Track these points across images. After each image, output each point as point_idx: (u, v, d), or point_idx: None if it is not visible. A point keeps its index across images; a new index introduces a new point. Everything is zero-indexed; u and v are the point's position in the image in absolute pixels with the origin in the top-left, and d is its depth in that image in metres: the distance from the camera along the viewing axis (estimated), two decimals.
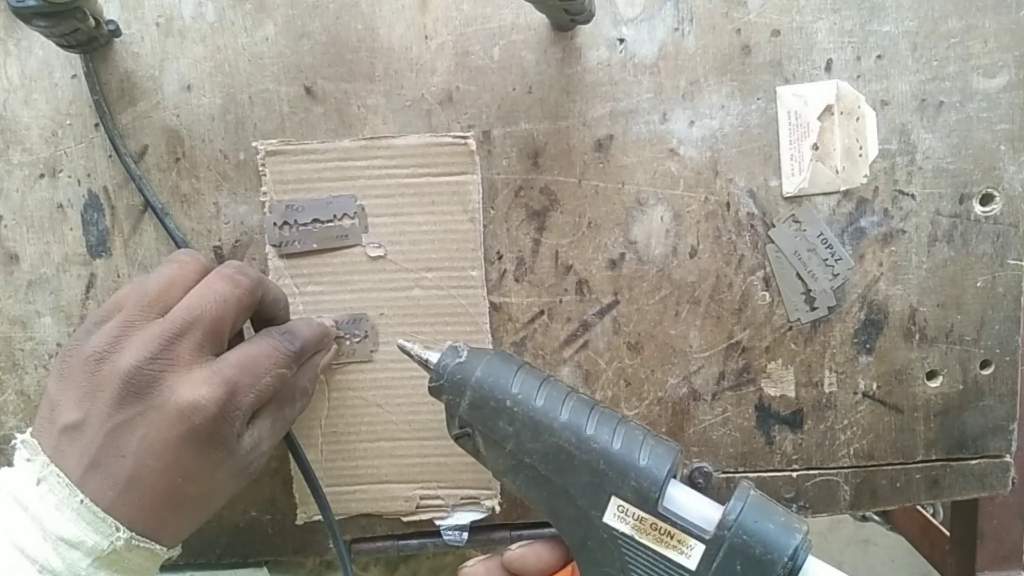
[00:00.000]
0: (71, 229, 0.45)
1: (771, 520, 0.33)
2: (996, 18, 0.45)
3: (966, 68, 0.45)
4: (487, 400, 0.35)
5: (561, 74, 0.45)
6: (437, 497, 0.48)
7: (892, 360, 0.47)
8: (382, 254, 0.45)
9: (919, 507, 0.86)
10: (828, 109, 0.45)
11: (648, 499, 0.33)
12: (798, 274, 0.47)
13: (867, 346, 0.47)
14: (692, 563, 0.32)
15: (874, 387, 0.48)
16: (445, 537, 0.48)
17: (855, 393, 0.48)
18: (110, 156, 0.45)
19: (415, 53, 0.45)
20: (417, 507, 0.48)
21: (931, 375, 0.48)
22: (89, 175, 0.45)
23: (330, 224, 0.45)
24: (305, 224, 0.45)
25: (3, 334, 0.46)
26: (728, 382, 0.48)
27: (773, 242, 0.46)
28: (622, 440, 0.34)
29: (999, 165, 0.46)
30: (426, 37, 0.44)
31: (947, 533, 0.78)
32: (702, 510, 0.34)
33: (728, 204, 0.46)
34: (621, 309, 0.47)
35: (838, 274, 0.47)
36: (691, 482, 0.47)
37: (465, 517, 0.48)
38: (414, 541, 0.48)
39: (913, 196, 0.46)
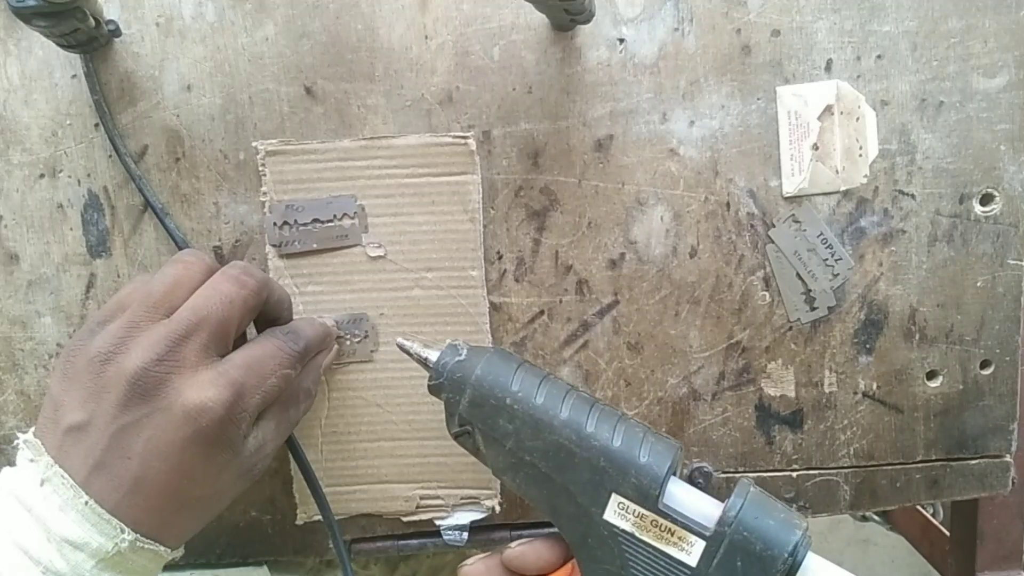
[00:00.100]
0: (71, 229, 0.45)
1: (771, 516, 0.33)
2: (996, 18, 0.45)
3: (966, 68, 0.45)
4: (487, 398, 0.35)
5: (561, 74, 0.45)
6: (437, 497, 0.48)
7: (892, 360, 0.47)
8: (382, 254, 0.45)
9: (919, 507, 0.86)
10: (828, 109, 0.45)
11: (649, 496, 0.33)
12: (798, 274, 0.47)
13: (867, 346, 0.47)
14: (692, 560, 0.33)
15: (874, 387, 0.48)
16: (445, 537, 0.48)
17: (855, 393, 0.48)
18: (110, 156, 0.45)
19: (415, 53, 0.45)
20: (417, 507, 0.48)
21: (931, 375, 0.48)
22: (89, 175, 0.45)
23: (330, 224, 0.45)
24: (305, 224, 0.45)
25: (3, 334, 0.46)
26: (728, 382, 0.48)
27: (773, 242, 0.46)
28: (622, 437, 0.34)
29: (999, 165, 0.46)
30: (426, 37, 0.44)
31: (947, 533, 0.78)
32: (702, 507, 0.34)
33: (728, 204, 0.46)
34: (621, 309, 0.47)
35: (838, 274, 0.47)
36: (691, 482, 0.47)
37: (465, 517, 0.48)
38: (414, 541, 0.48)
39: (913, 196, 0.46)
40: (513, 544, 0.38)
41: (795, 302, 0.47)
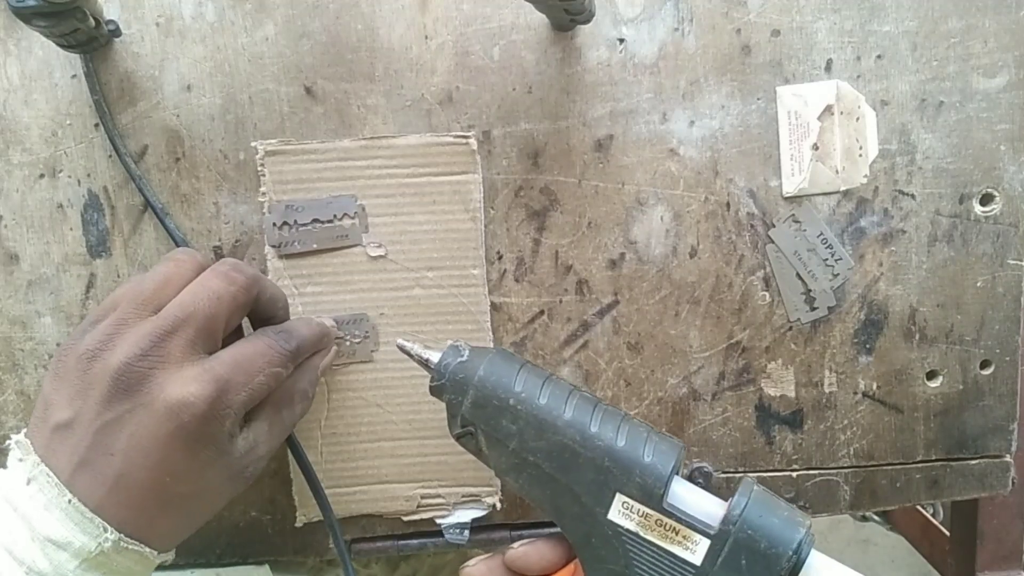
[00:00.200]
0: (71, 229, 0.45)
1: (775, 515, 0.33)
2: (996, 18, 0.45)
3: (966, 68, 0.45)
4: (490, 399, 0.35)
5: (561, 74, 0.45)
6: (438, 495, 0.48)
7: (892, 360, 0.47)
8: (382, 254, 0.45)
9: (919, 507, 0.86)
10: (828, 109, 0.45)
11: (653, 495, 0.33)
12: (798, 274, 0.47)
13: (867, 346, 0.47)
14: (697, 558, 0.33)
15: (874, 387, 0.48)
16: (446, 535, 0.48)
17: (855, 393, 0.48)
18: (110, 156, 0.45)
19: (415, 53, 0.45)
20: (418, 506, 0.48)
21: (931, 375, 0.48)
22: (89, 175, 0.45)
23: (330, 224, 0.45)
24: (305, 224, 0.45)
25: (3, 334, 0.46)
26: (728, 382, 0.48)
27: (773, 242, 0.46)
28: (626, 437, 0.34)
29: (999, 165, 0.46)
30: (426, 37, 0.44)
31: (947, 533, 0.78)
32: (705, 506, 0.34)
33: (728, 204, 0.46)
34: (621, 309, 0.47)
35: (838, 274, 0.47)
36: (691, 482, 0.47)
37: (466, 515, 0.48)
38: (415, 541, 0.48)
39: (913, 196, 0.46)
40: (516, 544, 0.37)
41: (795, 302, 0.47)
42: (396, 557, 0.58)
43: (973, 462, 0.49)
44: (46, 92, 0.44)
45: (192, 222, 0.45)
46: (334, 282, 0.45)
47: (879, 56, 0.45)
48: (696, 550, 0.33)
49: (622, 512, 0.34)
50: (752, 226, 0.46)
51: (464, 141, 0.44)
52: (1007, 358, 0.48)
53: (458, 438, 0.37)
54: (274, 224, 0.45)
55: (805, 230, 0.46)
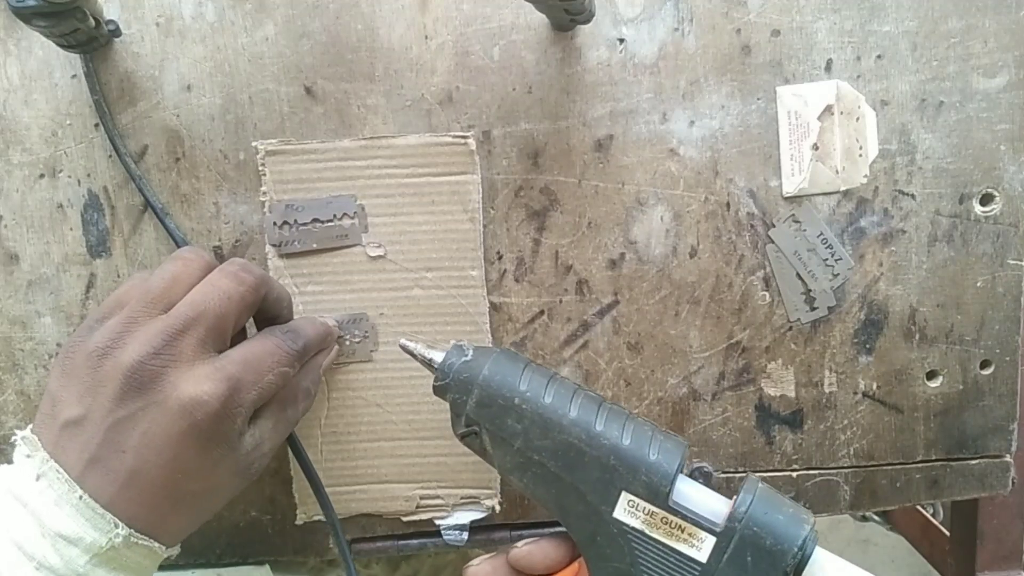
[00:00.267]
0: (71, 229, 0.45)
1: (780, 512, 0.33)
2: (996, 18, 0.45)
3: (966, 68, 0.45)
4: (495, 398, 0.35)
5: (561, 74, 0.45)
6: (437, 497, 0.48)
7: (892, 360, 0.47)
8: (382, 254, 0.45)
9: (919, 507, 0.86)
10: (828, 109, 0.45)
11: (659, 493, 0.33)
12: (798, 274, 0.47)
13: (867, 346, 0.47)
14: (703, 555, 0.33)
15: (874, 387, 0.48)
16: (445, 537, 0.48)
17: (855, 393, 0.48)
18: (110, 156, 0.45)
19: (415, 53, 0.45)
20: (417, 507, 0.48)
21: (931, 375, 0.48)
22: (89, 175, 0.45)
23: (330, 224, 0.45)
24: (305, 224, 0.45)
25: (3, 334, 0.46)
26: (728, 382, 0.48)
27: (773, 242, 0.46)
28: (631, 436, 0.34)
29: (999, 165, 0.46)
30: (426, 37, 0.44)
31: (947, 533, 0.78)
32: (710, 504, 0.34)
33: (728, 204, 0.46)
34: (621, 309, 0.47)
35: (838, 274, 0.47)
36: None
37: (465, 516, 0.48)
38: (414, 541, 0.48)
39: (913, 196, 0.46)
40: (519, 544, 0.38)
41: (795, 302, 0.47)
42: (397, 557, 0.58)
43: (973, 462, 0.49)
44: (46, 92, 0.44)
45: (192, 222, 0.45)
46: (334, 282, 0.45)
47: (879, 56, 0.45)
48: (702, 547, 0.33)
49: (628, 510, 0.34)
50: (752, 226, 0.46)
51: (463, 141, 0.44)
52: (1007, 358, 0.48)
53: (462, 437, 0.36)
54: (274, 223, 0.45)
55: (805, 230, 0.46)
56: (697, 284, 0.47)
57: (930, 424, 0.48)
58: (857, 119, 0.45)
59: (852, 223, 0.46)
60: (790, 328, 0.47)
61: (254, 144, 0.45)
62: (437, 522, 0.48)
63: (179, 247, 0.44)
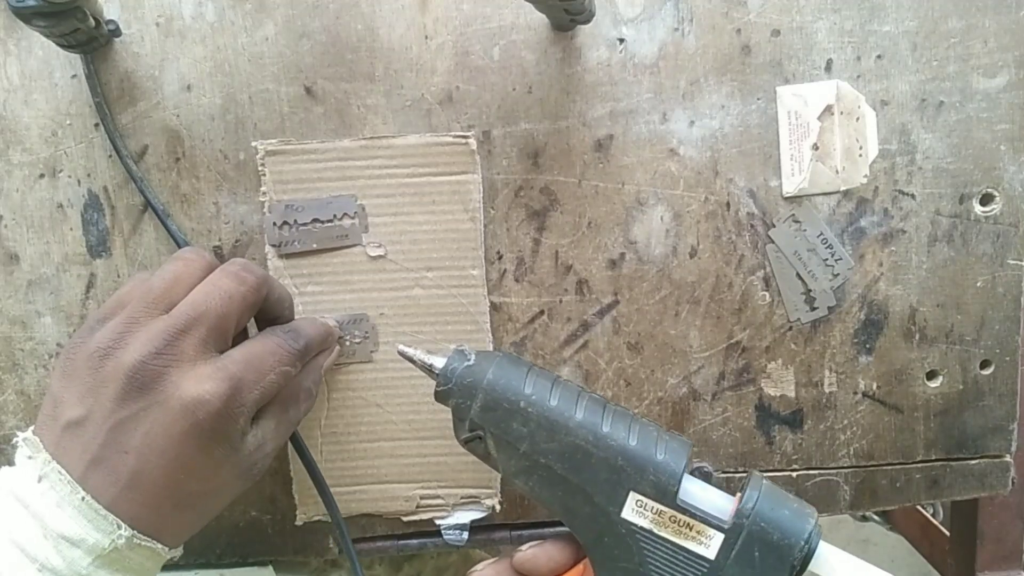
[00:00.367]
0: (71, 229, 0.45)
1: (785, 507, 0.34)
2: (996, 18, 0.45)
3: (966, 68, 0.45)
4: (500, 402, 0.35)
5: (561, 74, 0.45)
6: (437, 496, 0.48)
7: (892, 360, 0.47)
8: (382, 254, 0.45)
9: (919, 507, 0.86)
10: (828, 109, 0.45)
11: (667, 492, 0.34)
12: (798, 274, 0.47)
13: (867, 346, 0.47)
14: (711, 552, 0.33)
15: (874, 387, 0.48)
16: (445, 536, 0.48)
17: (855, 393, 0.48)
18: (110, 156, 0.45)
19: (415, 53, 0.45)
20: (417, 507, 0.48)
21: (931, 375, 0.48)
22: (89, 175, 0.45)
23: (330, 224, 0.45)
24: (305, 224, 0.45)
25: (3, 334, 0.46)
26: (728, 382, 0.48)
27: (773, 242, 0.46)
28: (638, 437, 0.35)
29: (999, 165, 0.46)
30: (426, 37, 0.44)
31: (947, 533, 0.78)
32: (715, 501, 0.35)
33: (728, 204, 0.46)
34: (621, 309, 0.47)
35: (838, 274, 0.47)
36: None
37: (465, 516, 0.48)
38: (414, 541, 0.48)
39: (913, 196, 0.46)
40: (524, 547, 0.37)
41: (795, 302, 0.47)
42: (399, 559, 0.58)
43: (973, 462, 0.49)
44: (46, 92, 0.44)
45: (192, 222, 0.45)
46: (334, 282, 0.45)
47: (879, 56, 0.45)
48: (710, 544, 0.33)
49: (636, 510, 0.34)
50: (752, 226, 0.46)
51: (464, 141, 0.44)
52: (1007, 358, 0.48)
53: (466, 443, 0.36)
54: (274, 224, 0.45)
55: (805, 230, 0.46)
56: (697, 284, 0.47)
57: (930, 424, 0.48)
58: (857, 119, 0.45)
59: (852, 223, 0.46)
60: (790, 328, 0.47)
61: (254, 144, 0.45)
62: (437, 522, 0.48)
63: (180, 247, 0.44)
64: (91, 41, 0.42)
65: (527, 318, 0.47)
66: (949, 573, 0.72)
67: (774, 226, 0.46)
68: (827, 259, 0.46)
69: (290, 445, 0.46)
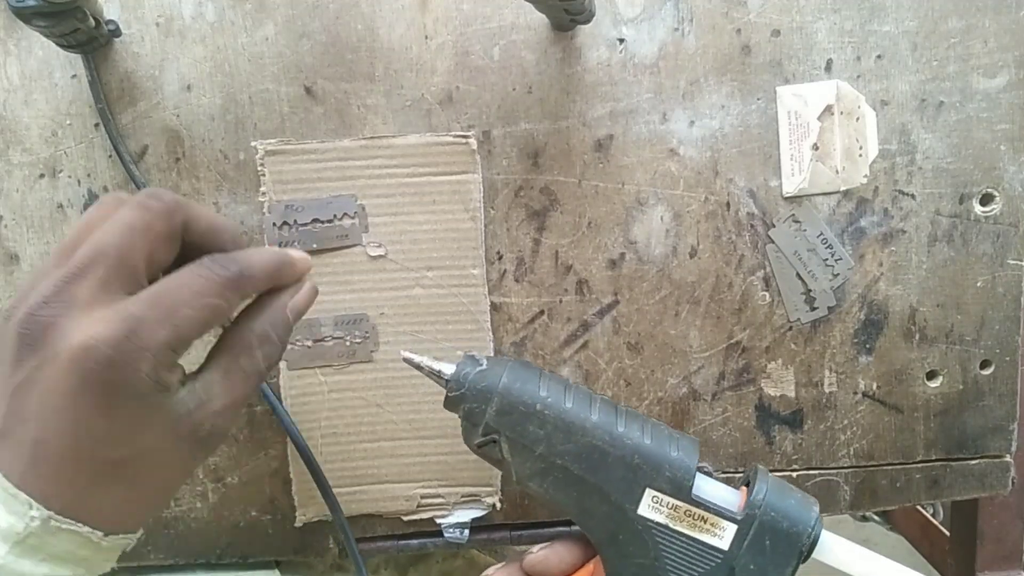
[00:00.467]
0: (71, 229, 0.45)
1: (791, 497, 0.35)
2: (996, 18, 0.45)
3: (966, 68, 0.45)
4: (516, 405, 0.36)
5: (561, 74, 0.45)
6: (438, 495, 0.48)
7: (892, 360, 0.47)
8: (382, 254, 0.45)
9: (919, 507, 0.86)
10: (828, 109, 0.45)
11: (682, 488, 0.35)
12: (798, 274, 0.47)
13: (867, 346, 0.47)
14: (724, 544, 0.35)
15: (874, 387, 0.48)
16: (446, 535, 0.48)
17: (855, 393, 0.48)
18: (110, 156, 0.45)
19: (415, 53, 0.45)
20: (418, 506, 0.48)
21: (931, 375, 0.48)
22: (89, 175, 0.45)
23: (330, 224, 0.45)
24: (305, 224, 0.45)
25: None
26: (728, 382, 0.48)
27: (773, 242, 0.46)
28: (651, 435, 0.36)
29: (999, 165, 0.46)
30: (426, 37, 0.44)
31: (947, 533, 0.78)
32: (724, 495, 0.36)
33: (728, 204, 0.46)
34: (621, 309, 0.47)
35: (838, 274, 0.47)
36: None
37: (466, 515, 0.48)
38: (415, 541, 0.48)
39: (913, 196, 0.46)
40: (534, 549, 0.38)
41: (795, 302, 0.47)
42: (405, 562, 0.58)
43: (973, 462, 0.49)
44: (46, 92, 0.44)
45: None
46: (334, 282, 0.45)
47: (879, 56, 0.45)
48: (724, 536, 0.35)
49: (651, 506, 0.35)
50: (752, 226, 0.46)
51: (464, 141, 0.44)
52: (1007, 358, 0.48)
53: (479, 447, 0.37)
54: (274, 224, 0.45)
55: (805, 230, 0.46)
56: (697, 284, 0.47)
57: (930, 424, 0.48)
58: (857, 119, 0.45)
59: (852, 223, 0.46)
60: (790, 328, 0.47)
61: (254, 144, 0.45)
62: (438, 521, 0.48)
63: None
64: (91, 41, 0.42)
65: (527, 318, 0.47)
66: (949, 573, 0.72)
67: (774, 226, 0.46)
68: (827, 259, 0.46)
69: (291, 446, 0.46)
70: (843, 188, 0.46)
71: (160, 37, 0.44)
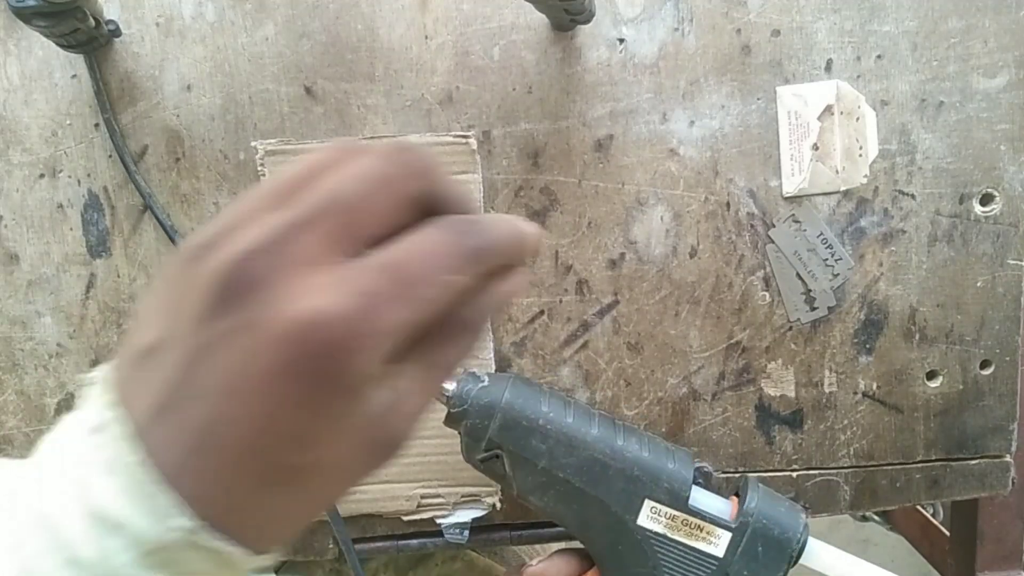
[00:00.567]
0: (71, 229, 0.45)
1: (781, 506, 0.37)
2: (996, 18, 0.45)
3: (966, 68, 0.45)
4: (519, 421, 0.36)
5: (561, 74, 0.45)
6: (438, 495, 0.48)
7: (892, 360, 0.47)
8: None
9: (919, 507, 0.86)
10: (828, 109, 0.45)
11: (680, 498, 0.36)
12: (798, 274, 0.47)
13: (867, 346, 0.47)
14: (719, 551, 0.36)
15: (874, 387, 0.48)
16: (446, 535, 0.48)
17: (855, 393, 0.48)
18: (110, 156, 0.45)
19: (415, 53, 0.45)
20: (418, 506, 0.48)
21: (931, 375, 0.48)
22: (89, 175, 0.45)
23: None
24: None
25: (3, 334, 0.46)
26: (728, 382, 0.48)
27: (773, 242, 0.46)
28: (649, 448, 0.37)
29: (999, 165, 0.46)
30: (426, 37, 0.44)
31: (947, 533, 0.78)
32: (717, 504, 0.37)
33: (728, 204, 0.46)
34: (621, 309, 0.47)
35: (838, 274, 0.47)
36: (692, 482, 0.48)
37: (466, 515, 0.48)
38: (414, 541, 0.48)
39: (913, 196, 0.46)
40: (533, 562, 0.38)
41: (795, 302, 0.47)
42: (404, 565, 0.58)
43: (973, 462, 0.49)
44: (46, 92, 0.44)
45: (192, 222, 0.45)
46: None
47: (879, 56, 0.45)
48: (719, 544, 0.36)
49: (650, 516, 0.36)
50: (752, 226, 0.46)
51: (464, 141, 0.44)
52: (1007, 358, 0.48)
53: (481, 462, 0.37)
54: None
55: (805, 230, 0.46)
56: (697, 284, 0.47)
57: (930, 424, 0.48)
58: (857, 119, 0.45)
59: (852, 223, 0.46)
60: (790, 328, 0.47)
61: (254, 144, 0.45)
62: (438, 521, 0.48)
63: (172, 240, 0.44)
64: (91, 41, 0.42)
65: (527, 318, 0.47)
66: (949, 573, 0.72)
67: (774, 226, 0.46)
68: (827, 259, 0.46)
69: None
70: (843, 188, 0.46)
71: (160, 37, 0.44)
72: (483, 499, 0.48)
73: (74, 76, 0.44)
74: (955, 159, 0.46)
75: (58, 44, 0.41)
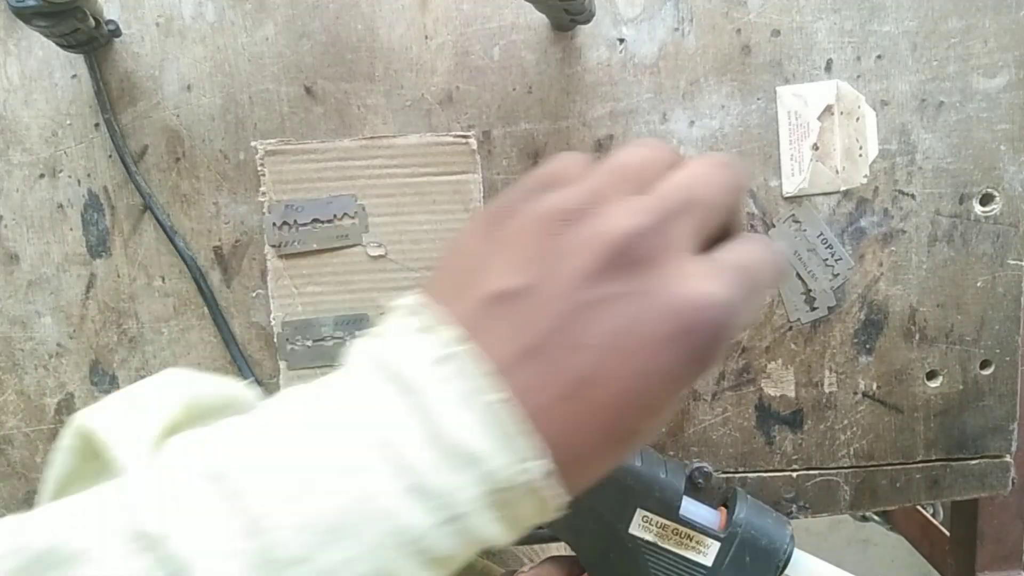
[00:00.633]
0: (71, 229, 0.45)
1: (768, 516, 0.38)
2: (996, 18, 0.45)
3: (966, 68, 0.45)
4: None
5: (561, 74, 0.45)
6: None
7: (892, 360, 0.47)
8: (383, 254, 0.45)
9: (919, 507, 0.86)
10: (828, 109, 0.45)
11: (671, 508, 0.37)
12: (798, 274, 0.47)
13: (867, 346, 0.47)
14: (708, 560, 0.37)
15: (874, 387, 0.48)
16: None
17: (855, 393, 0.48)
18: (110, 156, 0.45)
19: (415, 53, 0.45)
20: None
21: (931, 375, 0.48)
22: (89, 175, 0.45)
23: (330, 224, 0.45)
24: (305, 224, 0.45)
25: (3, 334, 0.46)
26: (728, 382, 0.48)
27: (773, 242, 0.46)
28: (642, 458, 0.38)
29: (999, 165, 0.46)
30: (426, 37, 0.44)
31: (947, 533, 0.78)
32: (706, 514, 0.38)
33: None
34: None
35: (838, 274, 0.47)
36: (691, 482, 0.47)
37: None
38: None
39: (913, 196, 0.46)
40: (524, 569, 0.39)
41: (795, 302, 0.47)
42: None
43: (973, 462, 0.49)
44: (46, 92, 0.44)
45: (192, 222, 0.45)
46: (334, 282, 0.45)
47: (879, 56, 0.45)
48: (708, 553, 0.37)
49: (642, 525, 0.37)
50: (752, 226, 0.46)
51: (464, 141, 0.44)
52: (1007, 358, 0.48)
53: None
54: (274, 224, 0.45)
55: (805, 230, 0.46)
56: None
57: (930, 424, 0.48)
58: (857, 119, 0.45)
59: (852, 223, 0.46)
60: (790, 328, 0.47)
61: (254, 144, 0.45)
62: None
63: (178, 248, 0.44)
64: (91, 41, 0.42)
65: None
66: (949, 573, 0.72)
67: (774, 226, 0.46)
68: (827, 259, 0.46)
69: None
70: (843, 188, 0.46)
71: (160, 37, 0.44)
72: None
73: (74, 76, 0.44)
74: (955, 159, 0.46)
75: (58, 44, 0.41)
